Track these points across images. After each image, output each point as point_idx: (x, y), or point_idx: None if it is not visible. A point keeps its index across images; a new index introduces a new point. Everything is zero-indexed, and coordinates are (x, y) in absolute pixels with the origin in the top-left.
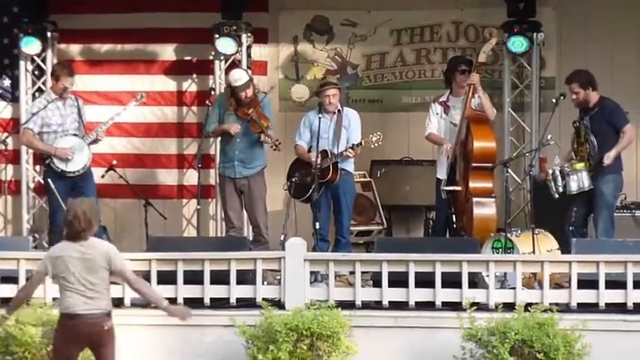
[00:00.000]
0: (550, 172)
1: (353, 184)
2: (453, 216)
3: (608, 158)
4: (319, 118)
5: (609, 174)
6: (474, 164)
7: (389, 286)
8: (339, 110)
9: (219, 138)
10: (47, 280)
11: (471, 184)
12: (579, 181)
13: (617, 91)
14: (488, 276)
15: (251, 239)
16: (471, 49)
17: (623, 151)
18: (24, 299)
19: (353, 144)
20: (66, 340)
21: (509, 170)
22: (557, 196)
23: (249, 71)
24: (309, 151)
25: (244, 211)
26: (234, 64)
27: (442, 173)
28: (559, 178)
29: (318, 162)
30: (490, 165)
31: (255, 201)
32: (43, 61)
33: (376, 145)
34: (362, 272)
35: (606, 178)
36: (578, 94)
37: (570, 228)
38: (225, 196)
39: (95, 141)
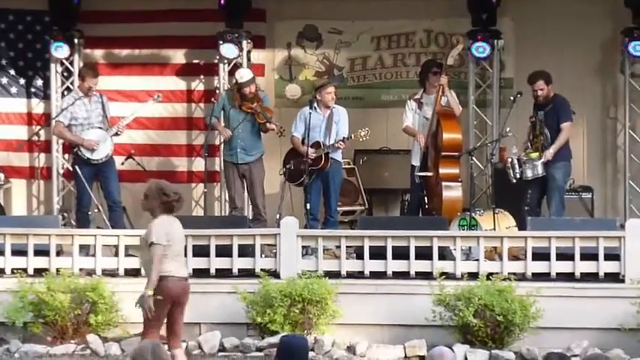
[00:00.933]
0: (509, 160)
1: (340, 171)
2: (425, 198)
3: (546, 156)
4: (310, 113)
5: (560, 161)
6: (443, 153)
7: (370, 259)
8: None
9: None
10: (75, 252)
11: (441, 171)
12: (534, 169)
13: (565, 91)
14: (455, 249)
15: (251, 218)
16: (440, 53)
17: (572, 142)
18: (159, 274)
19: (344, 137)
20: (168, 300)
21: (474, 158)
22: (514, 181)
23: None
24: (303, 142)
25: (246, 193)
26: (236, 67)
27: (416, 161)
28: (516, 166)
29: (311, 153)
30: (457, 154)
31: (255, 184)
32: (71, 64)
33: (364, 139)
34: (347, 246)
35: (557, 165)
36: (543, 90)
37: (526, 208)
38: (229, 180)
39: (116, 134)
